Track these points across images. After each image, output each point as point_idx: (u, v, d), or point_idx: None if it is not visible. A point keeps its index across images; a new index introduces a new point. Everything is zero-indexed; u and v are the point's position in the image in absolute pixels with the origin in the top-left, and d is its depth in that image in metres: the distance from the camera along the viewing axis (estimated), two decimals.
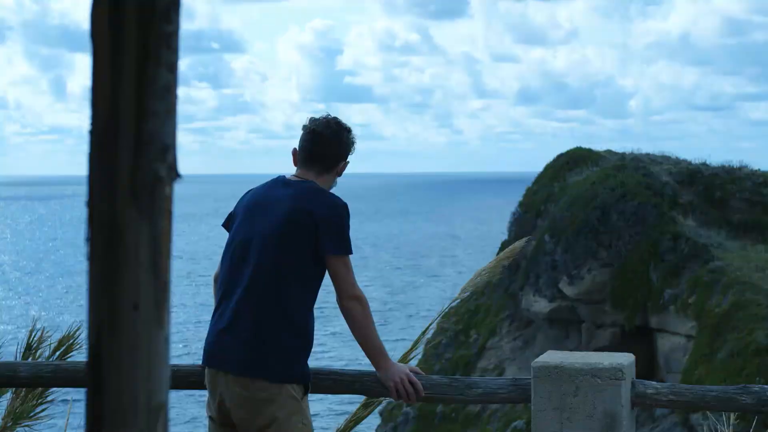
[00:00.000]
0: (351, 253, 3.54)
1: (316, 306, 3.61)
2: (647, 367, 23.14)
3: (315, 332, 3.58)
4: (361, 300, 3.53)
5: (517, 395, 3.23)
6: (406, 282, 55.07)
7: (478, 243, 72.35)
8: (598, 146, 30.21)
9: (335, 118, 3.73)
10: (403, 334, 39.48)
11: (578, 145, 29.93)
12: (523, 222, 27.84)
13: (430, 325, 4.19)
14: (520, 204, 28.66)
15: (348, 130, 3.72)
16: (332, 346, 36.15)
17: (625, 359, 3.19)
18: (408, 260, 65.70)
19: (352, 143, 3.73)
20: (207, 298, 48.04)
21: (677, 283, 22.32)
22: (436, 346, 27.59)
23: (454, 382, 3.40)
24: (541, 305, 24.81)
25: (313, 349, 3.53)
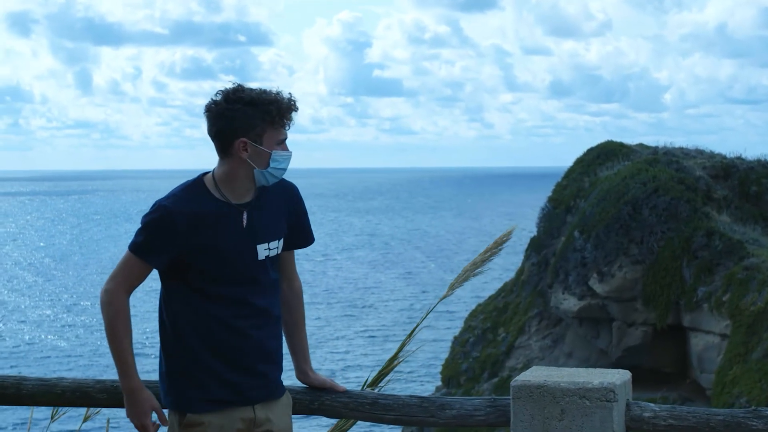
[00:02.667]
0: (132, 250, 3.12)
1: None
2: (680, 367, 22.60)
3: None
4: (105, 294, 3.13)
5: (495, 417, 2.81)
6: (437, 279, 54.64)
7: (509, 240, 71.63)
8: (632, 140, 29.52)
9: (233, 88, 3.15)
10: (427, 332, 39.07)
11: (611, 139, 29.38)
12: (552, 218, 27.35)
13: (417, 326, 3.83)
14: (550, 199, 28.15)
15: (244, 100, 3.11)
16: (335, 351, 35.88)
17: (618, 377, 2.75)
18: (437, 257, 65.28)
19: (255, 115, 3.11)
20: None
21: (711, 280, 21.77)
22: (463, 344, 27.21)
23: (424, 402, 2.99)
24: (570, 303, 24.30)
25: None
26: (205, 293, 3.14)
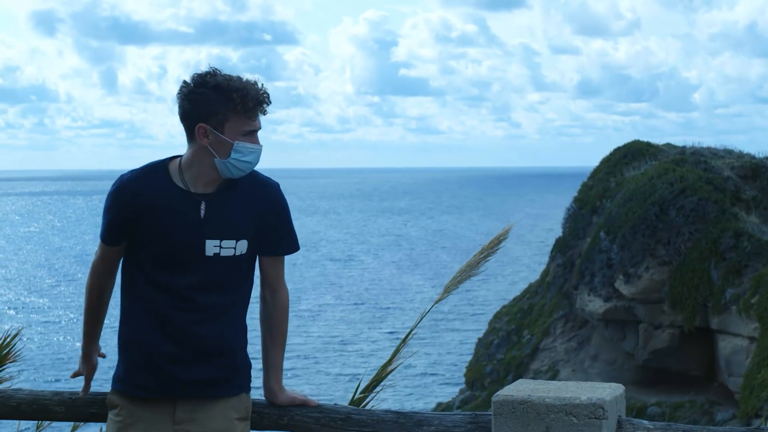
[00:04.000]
0: (101, 238, 3.12)
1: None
2: (707, 370, 22.26)
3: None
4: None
5: None
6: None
7: (536, 240, 71.28)
8: (661, 140, 29.19)
9: (204, 72, 2.99)
10: (455, 335, 38.84)
11: (639, 139, 29.06)
12: (577, 218, 27.06)
13: (411, 331, 3.65)
14: (575, 200, 27.87)
15: (210, 85, 2.95)
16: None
17: (608, 393, 2.54)
18: (464, 258, 64.82)
19: (218, 101, 2.95)
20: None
21: (739, 282, 21.41)
22: (487, 346, 26.99)
23: (400, 418, 2.79)
24: (596, 305, 24.00)
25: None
26: (149, 278, 3.02)
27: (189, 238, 3.00)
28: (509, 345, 26.52)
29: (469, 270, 3.62)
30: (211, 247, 3.02)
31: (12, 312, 45.13)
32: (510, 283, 49.05)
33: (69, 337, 38.68)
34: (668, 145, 28.42)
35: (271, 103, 3.04)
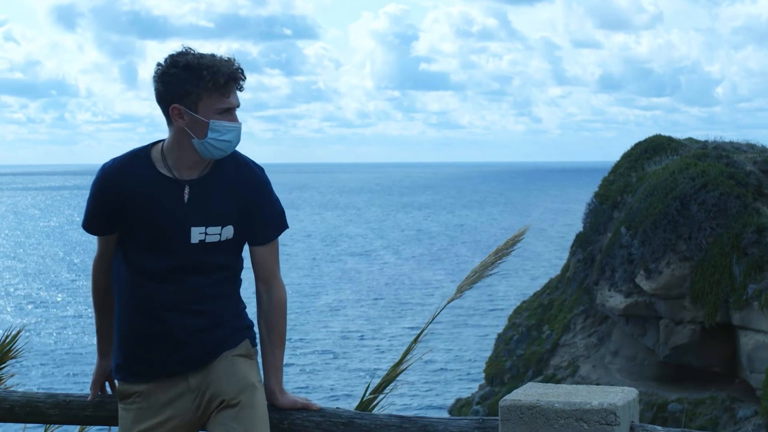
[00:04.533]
0: (82, 225, 3.07)
1: None
2: (729, 366, 22.05)
3: None
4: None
5: None
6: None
7: (556, 236, 70.93)
8: (683, 135, 29.02)
9: (176, 51, 2.91)
10: (474, 330, 38.68)
11: (660, 134, 28.86)
12: (598, 213, 26.90)
13: (422, 331, 3.55)
14: (596, 195, 27.71)
15: (180, 64, 2.87)
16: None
17: (620, 397, 2.42)
18: (485, 253, 64.63)
19: (190, 80, 2.86)
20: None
21: (761, 277, 21.19)
22: (507, 341, 26.89)
23: (405, 423, 2.70)
24: (616, 300, 23.83)
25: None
26: (136, 266, 2.94)
27: (174, 225, 2.93)
28: (529, 340, 26.42)
29: (484, 270, 3.53)
30: (197, 234, 2.94)
31: (30, 306, 45.38)
32: (531, 279, 48.82)
33: (87, 332, 38.85)
34: (690, 139, 28.22)
35: (245, 78, 2.93)
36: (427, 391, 30.74)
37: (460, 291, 3.55)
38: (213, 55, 2.90)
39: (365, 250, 69.64)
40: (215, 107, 2.91)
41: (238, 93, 2.96)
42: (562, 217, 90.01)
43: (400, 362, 3.46)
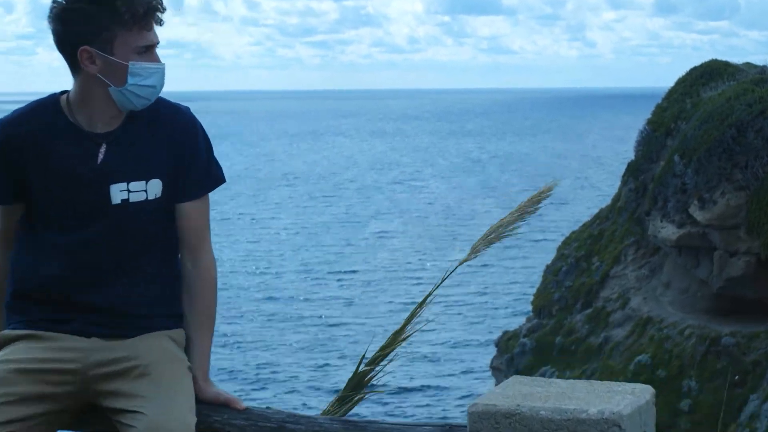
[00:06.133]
0: None
1: None
2: None
3: None
4: None
5: None
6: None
7: (613, 163, 69.71)
8: (741, 60, 28.07)
9: None
10: (527, 262, 38.20)
11: (718, 59, 27.93)
12: (651, 141, 26.16)
13: (429, 294, 3.11)
14: (649, 122, 26.94)
15: None
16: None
17: (628, 401, 1.86)
18: (539, 183, 63.82)
19: (100, 15, 2.37)
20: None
21: None
22: (555, 272, 26.50)
23: (350, 428, 2.22)
24: (669, 231, 23.22)
25: None
26: (41, 238, 2.49)
27: (90, 185, 2.47)
28: (578, 272, 26.03)
29: (502, 230, 3.07)
30: (118, 192, 2.48)
31: None
32: (587, 207, 48.05)
33: None
34: (748, 64, 27.31)
35: (165, 10, 2.43)
36: (471, 323, 30.52)
37: (475, 251, 3.10)
38: None
39: (414, 178, 69.20)
40: (134, 45, 2.43)
41: (157, 29, 2.46)
42: (615, 145, 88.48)
43: (401, 330, 3.03)
